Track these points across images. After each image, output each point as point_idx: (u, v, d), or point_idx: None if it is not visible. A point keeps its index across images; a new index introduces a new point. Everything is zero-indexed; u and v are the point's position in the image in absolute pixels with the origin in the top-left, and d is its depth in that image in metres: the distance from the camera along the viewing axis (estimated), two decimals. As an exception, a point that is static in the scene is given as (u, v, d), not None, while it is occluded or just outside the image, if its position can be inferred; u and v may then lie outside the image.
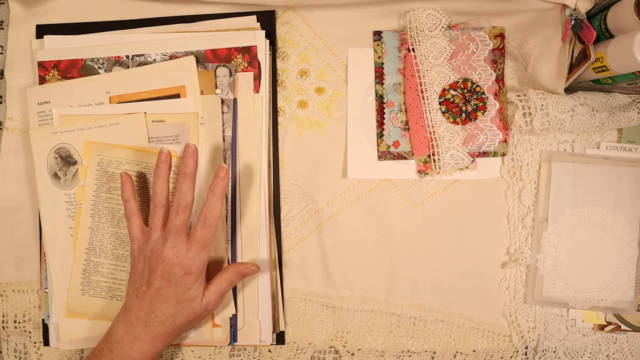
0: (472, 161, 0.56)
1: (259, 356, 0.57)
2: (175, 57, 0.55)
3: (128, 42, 0.56)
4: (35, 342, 0.57)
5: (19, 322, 0.57)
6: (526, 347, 0.56)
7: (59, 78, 0.55)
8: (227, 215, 0.54)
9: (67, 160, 0.55)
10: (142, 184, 0.54)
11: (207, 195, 0.48)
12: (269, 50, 0.56)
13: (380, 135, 0.56)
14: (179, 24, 0.56)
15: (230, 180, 0.48)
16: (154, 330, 0.48)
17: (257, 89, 0.55)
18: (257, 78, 0.55)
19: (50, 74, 0.55)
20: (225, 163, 0.55)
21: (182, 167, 0.48)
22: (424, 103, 0.55)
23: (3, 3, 0.58)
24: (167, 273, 0.47)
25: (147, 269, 0.48)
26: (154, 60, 0.55)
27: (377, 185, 0.57)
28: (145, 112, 0.54)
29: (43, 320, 0.56)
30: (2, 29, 0.59)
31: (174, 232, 0.48)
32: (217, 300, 0.50)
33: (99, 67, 0.55)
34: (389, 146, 0.56)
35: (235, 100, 0.55)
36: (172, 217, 0.48)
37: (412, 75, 0.56)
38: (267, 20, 0.56)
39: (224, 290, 0.50)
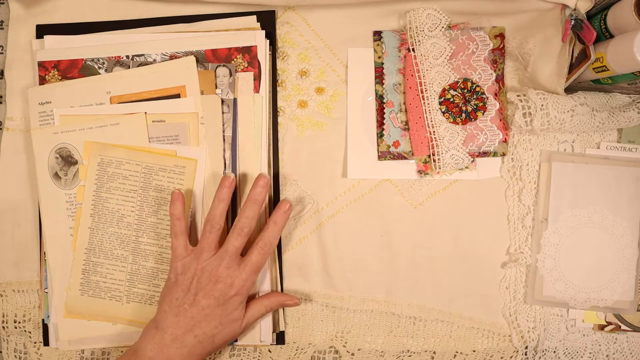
0: (472, 161, 0.56)
1: (259, 356, 0.57)
2: (176, 57, 0.55)
3: (128, 42, 0.56)
4: (35, 342, 0.57)
5: (19, 322, 0.57)
6: (526, 347, 0.56)
7: (59, 78, 0.55)
8: (227, 215, 0.54)
9: (67, 160, 0.55)
10: (144, 185, 0.54)
11: (268, 224, 0.51)
12: (269, 50, 0.56)
13: (380, 135, 0.56)
14: (179, 24, 0.56)
15: (290, 212, 0.51)
16: (190, 351, 0.47)
17: (257, 89, 0.55)
18: (257, 78, 0.55)
19: (50, 74, 0.55)
20: (225, 164, 0.55)
21: (253, 194, 0.50)
22: (424, 103, 0.55)
23: (3, 3, 0.58)
24: (219, 292, 0.48)
25: (195, 287, 0.48)
26: (154, 60, 0.55)
27: (377, 185, 0.57)
28: (145, 112, 0.54)
29: (43, 320, 0.56)
30: (2, 29, 0.59)
31: (232, 253, 0.49)
32: (255, 321, 0.52)
33: (100, 67, 0.55)
34: (389, 146, 0.56)
35: (235, 100, 0.55)
36: (232, 239, 0.49)
37: (412, 75, 0.56)
38: (267, 20, 0.56)
39: (261, 315, 0.52)
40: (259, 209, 0.50)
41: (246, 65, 0.55)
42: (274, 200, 0.56)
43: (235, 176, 0.54)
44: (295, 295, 0.56)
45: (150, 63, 0.55)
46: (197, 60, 0.55)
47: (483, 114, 0.55)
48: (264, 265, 0.50)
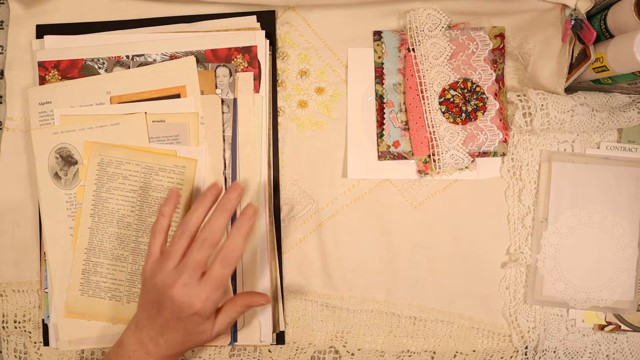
0: (472, 161, 0.56)
1: (259, 356, 0.57)
2: (176, 57, 0.55)
3: (128, 42, 0.56)
4: (35, 342, 0.57)
5: (19, 322, 0.57)
6: (526, 347, 0.56)
7: (59, 78, 0.55)
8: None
9: (67, 160, 0.55)
10: (143, 191, 0.54)
11: (230, 232, 0.46)
12: (269, 50, 0.56)
13: (380, 135, 0.56)
14: (179, 24, 0.56)
15: (255, 219, 0.47)
16: (164, 351, 0.47)
17: (257, 89, 0.55)
18: (257, 78, 0.55)
19: (50, 74, 0.55)
20: (225, 164, 0.55)
21: (223, 201, 0.46)
22: (424, 103, 0.55)
23: (3, 3, 0.58)
24: (176, 311, 0.45)
25: (157, 298, 0.46)
26: (154, 60, 0.55)
27: (377, 185, 0.57)
28: (145, 112, 0.54)
29: (43, 320, 0.56)
30: (2, 29, 0.59)
31: (192, 268, 0.45)
32: (228, 327, 0.49)
33: (100, 67, 0.55)
34: (389, 146, 0.56)
35: (235, 100, 0.55)
36: (194, 251, 0.45)
37: (412, 75, 0.56)
38: (267, 20, 0.56)
39: (234, 319, 0.49)
40: (227, 219, 0.46)
41: (246, 65, 0.55)
42: (274, 200, 0.56)
43: (236, 176, 0.54)
44: (295, 295, 0.56)
45: (150, 63, 0.55)
46: (197, 60, 0.55)
47: (483, 114, 0.55)
48: (228, 280, 0.46)
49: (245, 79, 0.55)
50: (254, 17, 0.56)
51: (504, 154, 0.56)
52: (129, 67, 0.55)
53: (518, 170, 0.56)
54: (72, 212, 0.54)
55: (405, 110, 0.56)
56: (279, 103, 0.57)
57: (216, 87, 0.55)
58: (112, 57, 0.55)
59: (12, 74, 0.57)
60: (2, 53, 0.59)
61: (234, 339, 0.55)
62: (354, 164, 0.56)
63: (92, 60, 0.55)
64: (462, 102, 0.55)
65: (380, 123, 0.56)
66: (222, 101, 0.55)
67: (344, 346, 0.57)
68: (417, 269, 0.57)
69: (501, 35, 0.56)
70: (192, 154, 0.54)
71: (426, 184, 0.57)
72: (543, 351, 0.56)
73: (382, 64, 0.56)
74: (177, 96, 0.55)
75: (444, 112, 0.55)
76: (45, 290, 0.56)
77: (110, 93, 0.55)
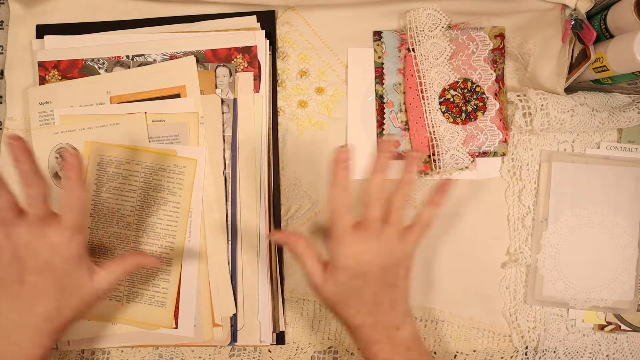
0: (472, 161, 0.56)
1: (259, 356, 0.57)
2: (176, 57, 0.55)
3: (128, 42, 0.56)
4: (35, 342, 0.57)
5: (19, 322, 0.57)
6: (526, 347, 0.56)
7: (59, 78, 0.55)
8: (227, 215, 0.54)
9: (67, 160, 0.55)
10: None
11: (64, 182, 0.44)
12: (269, 50, 0.56)
13: (380, 135, 0.56)
14: (179, 24, 0.56)
15: (81, 162, 0.44)
16: (37, 330, 0.43)
17: (257, 89, 0.55)
18: (257, 78, 0.55)
19: (50, 74, 0.55)
20: (225, 164, 0.55)
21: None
22: (424, 103, 0.55)
23: (3, 3, 0.58)
24: (43, 264, 0.43)
25: (16, 265, 0.43)
26: (154, 60, 0.55)
27: (377, 185, 0.57)
28: (145, 112, 0.54)
29: (43, 320, 0.56)
30: (2, 29, 0.59)
31: (39, 221, 0.43)
32: (110, 287, 0.46)
33: (100, 67, 0.55)
34: (389, 146, 0.56)
35: (235, 100, 0.55)
36: (31, 210, 0.43)
37: (412, 75, 0.56)
38: (267, 20, 0.56)
39: (118, 277, 0.47)
40: (33, 176, 0.43)
41: (246, 65, 0.55)
42: (274, 200, 0.56)
43: (235, 176, 0.54)
44: (295, 295, 0.56)
45: (150, 63, 0.55)
46: (197, 60, 0.55)
47: (483, 114, 0.55)
48: (84, 221, 0.45)
49: (245, 79, 0.55)
50: (254, 17, 0.56)
51: (504, 154, 0.56)
52: (129, 67, 0.55)
53: (518, 170, 0.56)
54: (72, 212, 0.54)
55: (405, 110, 0.56)
56: (279, 103, 0.57)
57: (216, 87, 0.55)
58: (112, 57, 0.55)
59: (12, 74, 0.57)
60: (2, 53, 0.59)
61: (234, 339, 0.55)
62: (353, 164, 0.56)
63: (92, 60, 0.55)
64: (462, 102, 0.55)
65: (380, 123, 0.56)
66: (222, 101, 0.55)
67: (344, 346, 0.57)
68: (417, 269, 0.56)
69: (501, 35, 0.56)
70: (192, 154, 0.54)
71: (426, 184, 0.57)
72: (543, 351, 0.56)
73: (382, 64, 0.56)
74: (177, 96, 0.55)
75: (444, 112, 0.55)
76: (45, 290, 0.55)
77: (110, 93, 0.55)
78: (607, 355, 0.56)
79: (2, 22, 0.59)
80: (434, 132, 0.55)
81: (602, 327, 0.56)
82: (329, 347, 0.57)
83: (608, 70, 0.47)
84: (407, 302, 0.46)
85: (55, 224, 0.44)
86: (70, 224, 0.44)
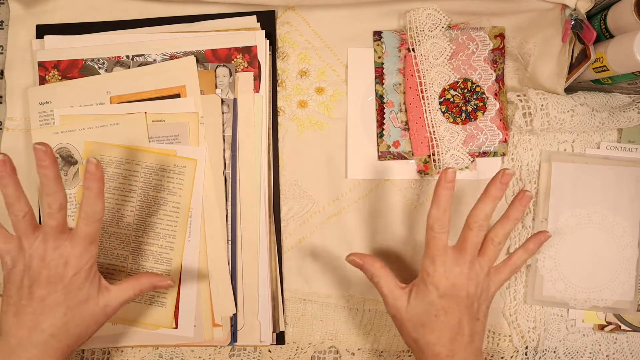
0: (472, 161, 0.56)
1: (259, 356, 0.57)
2: (176, 57, 0.55)
3: (128, 42, 0.56)
4: (35, 342, 0.57)
5: (19, 322, 0.57)
6: (526, 347, 0.56)
7: (59, 78, 0.55)
8: (227, 215, 0.54)
9: (67, 160, 0.55)
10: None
11: (83, 193, 0.44)
12: (269, 50, 0.56)
13: (380, 135, 0.56)
14: (179, 24, 0.56)
15: (102, 175, 0.44)
16: (43, 348, 0.42)
17: (257, 89, 0.55)
18: (257, 78, 0.55)
19: (50, 74, 0.55)
20: (225, 164, 0.55)
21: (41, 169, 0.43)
22: (424, 103, 0.55)
23: (3, 3, 0.58)
24: (54, 276, 0.43)
25: (27, 278, 0.43)
26: (154, 60, 0.55)
27: (377, 185, 0.57)
28: (145, 112, 0.54)
29: (43, 320, 0.56)
30: (2, 29, 0.59)
31: (55, 232, 0.43)
32: (119, 306, 0.46)
33: (100, 67, 0.55)
34: (389, 146, 0.56)
35: (235, 100, 0.55)
36: (47, 220, 0.43)
37: (412, 75, 0.56)
38: (267, 20, 0.56)
39: (129, 298, 0.47)
40: (55, 183, 0.43)
41: (246, 65, 0.55)
42: (274, 200, 0.56)
43: (235, 176, 0.54)
44: (295, 295, 0.56)
45: (150, 63, 0.55)
46: (197, 60, 0.55)
47: (483, 114, 0.55)
48: (98, 234, 0.45)
49: (245, 79, 0.55)
50: (254, 17, 0.56)
51: (504, 154, 0.56)
52: (129, 67, 0.55)
53: (518, 170, 0.56)
54: (72, 212, 0.54)
55: (405, 110, 0.56)
56: (279, 103, 0.57)
57: (216, 87, 0.55)
58: (112, 57, 0.55)
59: (12, 74, 0.57)
60: (2, 53, 0.59)
61: (234, 339, 0.55)
62: (354, 164, 0.56)
63: (92, 60, 0.55)
64: (462, 102, 0.55)
65: (380, 123, 0.56)
66: (222, 101, 0.55)
67: (344, 346, 0.57)
68: (417, 269, 0.57)
69: (501, 35, 0.56)
70: (192, 154, 0.54)
71: (426, 184, 0.57)
72: (543, 351, 0.56)
73: (382, 64, 0.56)
74: (177, 96, 0.55)
75: (444, 112, 0.55)
76: (45, 290, 0.55)
77: (110, 93, 0.55)
78: (607, 355, 0.56)
79: (2, 22, 0.59)
80: (434, 132, 0.55)
81: (602, 327, 0.56)
82: (329, 347, 0.57)
83: (608, 70, 0.47)
84: (482, 342, 0.46)
85: (69, 235, 0.44)
86: (84, 235, 0.44)
